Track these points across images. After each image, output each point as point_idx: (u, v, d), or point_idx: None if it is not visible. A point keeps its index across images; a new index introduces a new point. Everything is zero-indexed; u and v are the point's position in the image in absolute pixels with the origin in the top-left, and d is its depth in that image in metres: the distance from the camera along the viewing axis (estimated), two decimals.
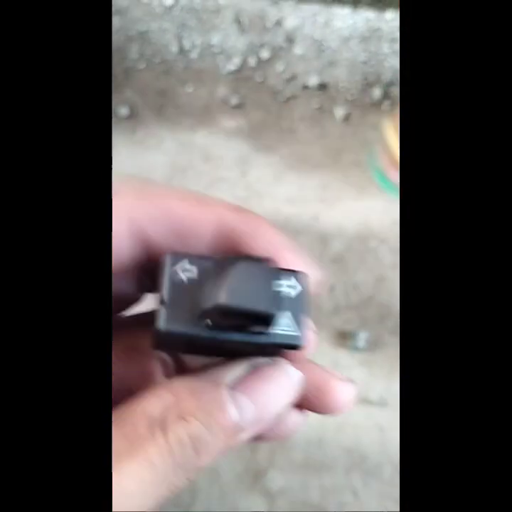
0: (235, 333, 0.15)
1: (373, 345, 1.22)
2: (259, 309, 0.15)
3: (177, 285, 0.15)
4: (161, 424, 0.14)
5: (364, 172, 1.38)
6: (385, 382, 1.19)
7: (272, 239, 0.18)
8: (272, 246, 0.17)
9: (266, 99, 1.46)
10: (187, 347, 0.15)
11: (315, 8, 1.55)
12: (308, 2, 1.55)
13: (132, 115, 1.47)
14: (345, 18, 1.55)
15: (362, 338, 1.22)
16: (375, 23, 1.57)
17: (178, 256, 0.15)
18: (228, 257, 0.15)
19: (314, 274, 0.18)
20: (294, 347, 0.16)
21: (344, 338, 1.23)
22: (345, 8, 1.55)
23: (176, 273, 0.15)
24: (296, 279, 0.16)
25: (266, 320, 0.15)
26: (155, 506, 0.14)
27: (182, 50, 1.53)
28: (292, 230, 1.32)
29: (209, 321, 0.15)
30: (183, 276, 0.15)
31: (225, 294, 0.14)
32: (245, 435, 0.16)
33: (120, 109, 1.50)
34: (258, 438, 0.18)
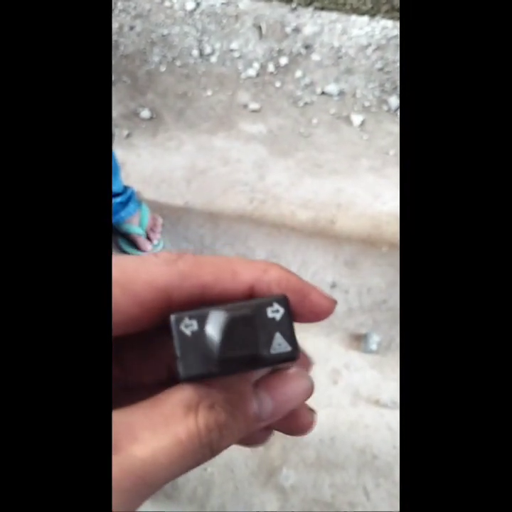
0: (241, 364, 0.18)
1: (385, 348, 1.25)
2: (247, 353, 0.18)
3: (184, 340, 0.18)
4: (195, 410, 0.17)
5: (379, 178, 1.41)
6: (396, 384, 1.21)
7: (297, 287, 0.20)
8: (299, 294, 0.20)
9: (284, 105, 1.49)
10: (208, 378, 0.18)
11: (333, 15, 1.58)
12: (326, 10, 1.57)
13: (153, 117, 1.50)
14: (362, 26, 1.58)
15: (374, 340, 1.24)
16: (392, 31, 1.60)
17: (179, 315, 0.18)
18: (216, 306, 0.18)
19: (327, 298, 0.20)
20: (290, 359, 0.19)
21: (357, 340, 1.26)
22: (363, 16, 1.58)
23: (180, 331, 0.18)
24: (278, 304, 0.19)
25: (256, 358, 0.18)
26: (179, 475, 0.17)
27: (202, 54, 1.56)
28: (308, 234, 1.35)
29: (217, 364, 0.18)
30: (187, 331, 0.18)
31: (217, 348, 0.18)
32: (263, 424, 0.19)
33: (142, 112, 1.53)
34: (275, 428, 0.21)
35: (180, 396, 0.17)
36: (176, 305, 0.18)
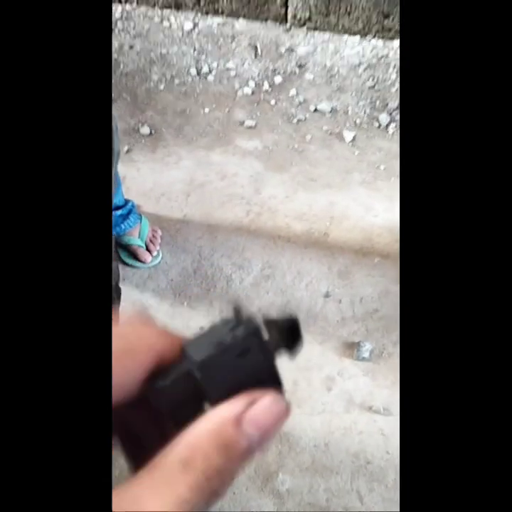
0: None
1: (377, 356, 1.28)
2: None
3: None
4: (192, 464, 0.18)
5: (371, 191, 1.46)
6: (388, 391, 1.24)
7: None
8: None
9: (278, 122, 1.54)
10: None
11: (326, 36, 1.64)
12: (319, 30, 1.64)
13: (153, 133, 1.55)
14: (354, 45, 1.64)
15: (367, 348, 1.27)
16: (383, 50, 1.66)
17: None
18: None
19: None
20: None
21: (350, 348, 1.29)
22: (354, 36, 1.64)
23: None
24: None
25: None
26: None
27: (200, 73, 1.61)
28: (302, 245, 1.40)
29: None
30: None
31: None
32: (256, 452, 0.20)
33: (142, 128, 1.58)
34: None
35: (175, 454, 0.18)
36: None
